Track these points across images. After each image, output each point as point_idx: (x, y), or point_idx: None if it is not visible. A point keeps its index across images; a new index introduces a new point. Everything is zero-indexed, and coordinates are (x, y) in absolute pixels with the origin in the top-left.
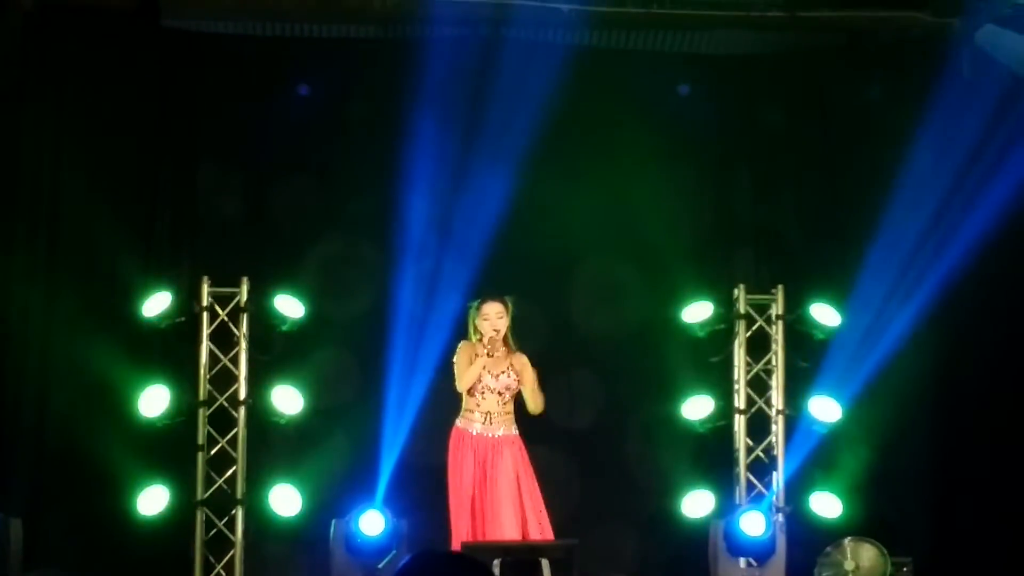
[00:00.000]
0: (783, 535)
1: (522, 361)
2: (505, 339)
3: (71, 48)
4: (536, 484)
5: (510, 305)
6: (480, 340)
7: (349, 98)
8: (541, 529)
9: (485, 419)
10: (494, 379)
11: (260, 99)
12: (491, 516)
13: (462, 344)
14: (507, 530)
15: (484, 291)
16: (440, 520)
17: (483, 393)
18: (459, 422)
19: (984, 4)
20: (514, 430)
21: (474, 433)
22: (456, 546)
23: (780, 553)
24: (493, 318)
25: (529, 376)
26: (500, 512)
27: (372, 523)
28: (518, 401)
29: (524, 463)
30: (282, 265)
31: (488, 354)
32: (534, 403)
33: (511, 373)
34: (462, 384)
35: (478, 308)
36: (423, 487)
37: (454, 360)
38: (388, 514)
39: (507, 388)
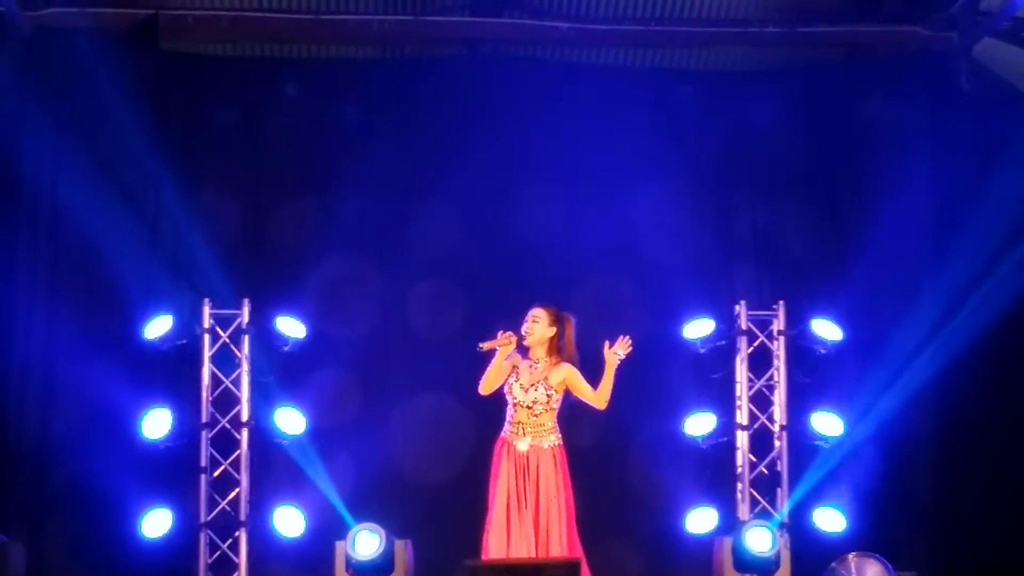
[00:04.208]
0: (787, 551)
1: (562, 373)
2: (553, 351)
3: (71, 71)
4: (565, 496)
5: (567, 319)
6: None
7: (348, 118)
8: (560, 544)
9: (518, 430)
10: (523, 392)
11: (258, 119)
12: (516, 527)
13: (513, 354)
14: (527, 541)
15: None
16: (445, 539)
17: (515, 406)
18: (503, 431)
19: (982, 18)
20: (546, 443)
21: (512, 443)
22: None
23: (784, 568)
24: (528, 320)
25: (578, 383)
26: (524, 523)
27: (365, 544)
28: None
29: (554, 478)
30: (283, 286)
31: (481, 347)
32: (597, 402)
33: (541, 387)
34: (481, 386)
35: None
36: (427, 506)
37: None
38: (383, 533)
39: (535, 402)
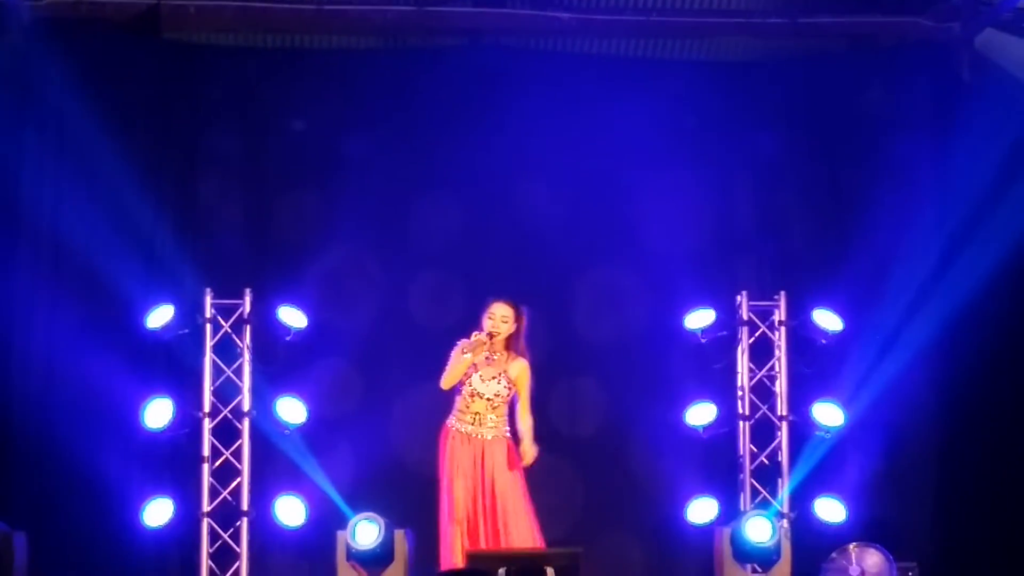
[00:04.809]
0: (788, 541)
1: (519, 368)
2: (510, 345)
3: (72, 61)
4: (522, 490)
5: (523, 313)
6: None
7: (350, 109)
8: (524, 535)
9: (474, 420)
10: (483, 384)
11: (260, 110)
12: (480, 517)
13: (462, 343)
14: (490, 531)
15: (502, 291)
16: None
17: (472, 396)
18: (449, 421)
19: (984, 8)
20: (504, 433)
21: (464, 432)
22: (445, 547)
23: (785, 559)
24: (496, 319)
25: (524, 385)
26: (489, 513)
27: (364, 533)
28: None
29: (509, 468)
30: (285, 276)
31: (463, 350)
32: (522, 418)
33: (502, 380)
34: (444, 381)
35: (486, 306)
36: (426, 496)
37: (452, 355)
38: (382, 523)
39: (496, 395)
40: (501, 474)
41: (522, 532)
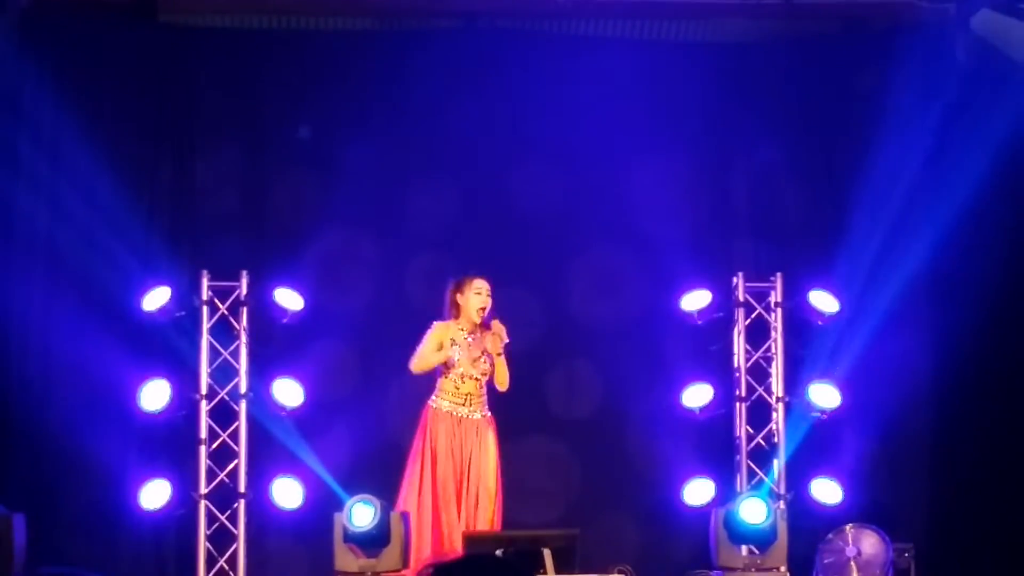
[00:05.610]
0: (784, 522)
1: (491, 339)
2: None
3: (68, 44)
4: (498, 472)
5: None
6: (456, 319)
7: (346, 91)
8: (492, 517)
9: (465, 401)
10: (472, 365)
11: (256, 92)
12: (474, 498)
13: (437, 325)
14: (473, 512)
15: (469, 266)
16: None
17: (463, 378)
18: (434, 403)
19: None
20: (488, 411)
21: (455, 415)
22: (412, 524)
23: (781, 540)
24: (484, 294)
25: (498, 347)
26: (470, 494)
27: (360, 515)
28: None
29: (496, 449)
30: (281, 258)
31: (478, 347)
32: (500, 381)
33: (486, 357)
34: (415, 365)
35: (466, 284)
36: None
37: (424, 337)
38: (378, 505)
39: (484, 373)
40: (488, 456)
41: (486, 515)
